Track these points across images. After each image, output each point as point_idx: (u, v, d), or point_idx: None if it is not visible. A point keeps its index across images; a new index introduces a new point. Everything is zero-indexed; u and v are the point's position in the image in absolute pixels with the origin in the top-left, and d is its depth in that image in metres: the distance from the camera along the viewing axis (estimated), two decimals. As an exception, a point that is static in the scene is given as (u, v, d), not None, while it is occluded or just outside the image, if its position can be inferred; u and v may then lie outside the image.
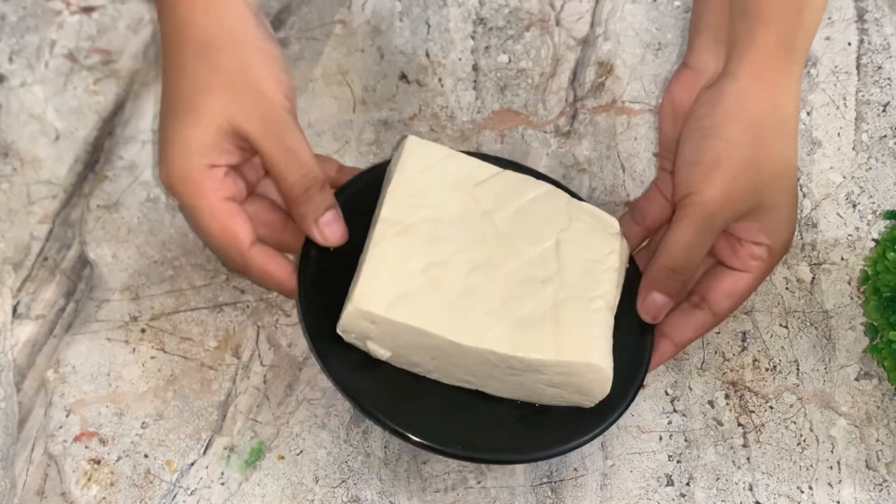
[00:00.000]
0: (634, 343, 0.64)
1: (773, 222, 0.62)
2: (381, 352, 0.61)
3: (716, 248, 0.64)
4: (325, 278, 0.63)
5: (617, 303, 0.63)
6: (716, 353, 0.67)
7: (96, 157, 0.75)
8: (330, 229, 0.62)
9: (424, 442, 0.60)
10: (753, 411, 0.65)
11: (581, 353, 0.58)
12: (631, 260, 0.66)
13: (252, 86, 0.61)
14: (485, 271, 0.61)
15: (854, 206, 0.72)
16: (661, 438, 0.64)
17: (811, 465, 0.63)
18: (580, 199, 0.67)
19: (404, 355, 0.61)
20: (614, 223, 0.64)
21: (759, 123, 0.61)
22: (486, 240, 0.62)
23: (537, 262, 0.61)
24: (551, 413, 0.62)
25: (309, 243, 0.64)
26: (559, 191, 0.65)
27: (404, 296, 0.59)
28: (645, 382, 0.66)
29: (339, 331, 0.61)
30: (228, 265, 0.68)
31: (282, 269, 0.63)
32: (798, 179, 0.73)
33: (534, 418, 0.62)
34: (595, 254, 0.62)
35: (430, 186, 0.63)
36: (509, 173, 0.65)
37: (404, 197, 0.62)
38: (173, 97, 0.63)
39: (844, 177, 0.73)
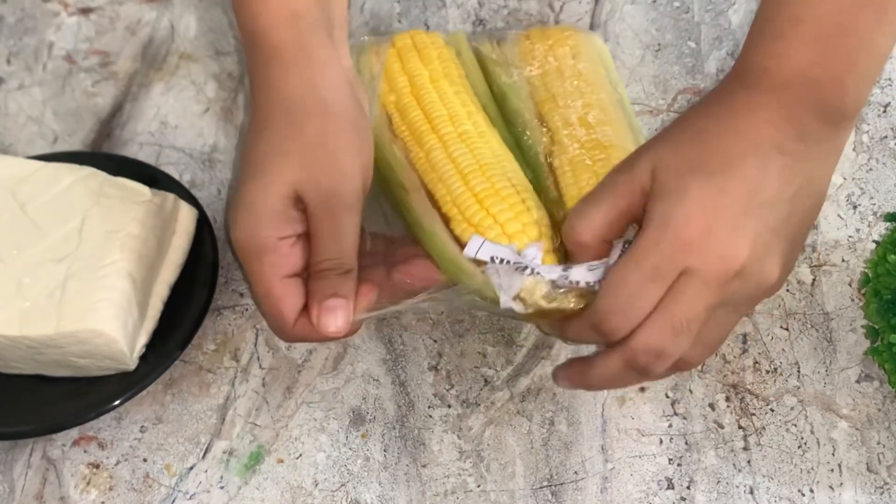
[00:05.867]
0: (188, 303, 0.66)
1: None
2: None
3: None
4: None
5: (148, 265, 0.64)
6: (716, 355, 0.67)
7: (94, 159, 0.75)
8: (327, 316, 0.58)
9: None
10: (754, 414, 0.65)
11: (79, 321, 0.61)
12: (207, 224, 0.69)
13: (330, 156, 0.60)
14: (5, 262, 0.63)
15: (855, 207, 0.72)
16: (661, 441, 0.64)
17: (812, 468, 0.63)
18: (164, 174, 0.71)
19: None
20: (145, 191, 0.66)
21: None
22: (16, 231, 0.64)
23: (60, 243, 0.64)
24: (99, 382, 0.64)
25: None
26: (98, 172, 0.67)
27: None
28: (645, 385, 0.65)
29: None
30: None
31: (318, 337, 0.60)
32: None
33: (84, 389, 0.64)
34: (116, 224, 0.64)
35: None
36: (52, 165, 0.67)
37: None
38: (251, 156, 0.61)
39: (845, 178, 0.73)
